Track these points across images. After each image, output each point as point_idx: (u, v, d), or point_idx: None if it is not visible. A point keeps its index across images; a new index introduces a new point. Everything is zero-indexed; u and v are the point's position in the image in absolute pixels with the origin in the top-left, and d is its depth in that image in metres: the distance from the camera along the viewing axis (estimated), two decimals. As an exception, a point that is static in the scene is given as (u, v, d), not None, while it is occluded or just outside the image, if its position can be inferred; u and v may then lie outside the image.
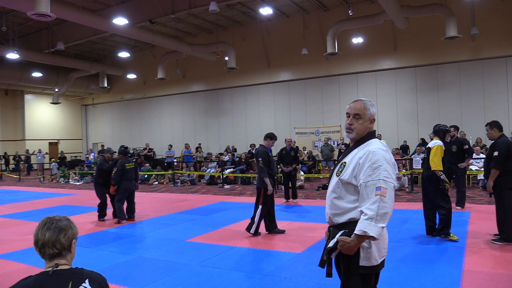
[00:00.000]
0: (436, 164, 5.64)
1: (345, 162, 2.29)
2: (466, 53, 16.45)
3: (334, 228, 2.29)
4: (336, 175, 2.31)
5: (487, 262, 4.64)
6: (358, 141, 2.33)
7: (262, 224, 6.59)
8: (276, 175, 6.97)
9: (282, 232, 6.52)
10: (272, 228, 6.54)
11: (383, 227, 2.05)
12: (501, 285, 3.92)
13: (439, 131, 6.01)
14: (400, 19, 15.36)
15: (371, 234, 2.02)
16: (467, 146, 7.89)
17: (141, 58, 25.00)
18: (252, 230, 6.31)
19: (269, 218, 6.53)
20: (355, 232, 2.07)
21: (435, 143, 5.82)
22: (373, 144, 2.24)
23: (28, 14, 11.44)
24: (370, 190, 2.08)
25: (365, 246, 2.14)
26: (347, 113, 2.40)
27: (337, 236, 2.19)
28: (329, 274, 2.31)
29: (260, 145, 6.79)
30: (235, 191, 12.54)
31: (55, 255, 1.66)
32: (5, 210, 10.05)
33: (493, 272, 4.30)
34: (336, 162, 2.45)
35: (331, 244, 2.22)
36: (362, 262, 2.16)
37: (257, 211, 6.33)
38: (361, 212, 2.09)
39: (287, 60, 20.22)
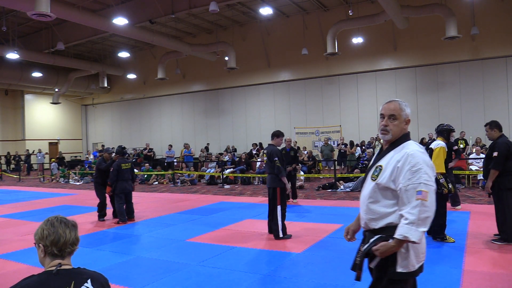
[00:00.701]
0: (437, 166, 5.49)
1: (380, 166, 2.23)
2: (466, 53, 16.46)
3: (369, 233, 2.23)
4: (372, 179, 2.24)
5: (487, 262, 4.64)
6: (393, 143, 2.26)
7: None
8: (286, 174, 6.91)
9: (289, 236, 6.34)
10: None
11: (424, 232, 2.02)
12: (501, 285, 3.93)
13: (444, 131, 5.89)
14: (400, 19, 15.37)
15: (412, 239, 1.99)
16: (456, 147, 7.89)
17: (141, 58, 25.01)
18: (281, 234, 6.12)
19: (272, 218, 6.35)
20: (395, 236, 2.03)
21: (438, 145, 5.69)
22: (411, 146, 2.18)
23: (28, 14, 11.44)
24: (411, 194, 2.04)
25: (403, 251, 2.09)
26: (381, 114, 2.31)
27: (371, 240, 2.15)
28: (358, 278, 2.25)
29: (269, 145, 6.58)
30: (235, 191, 12.55)
31: (72, 252, 1.70)
32: (5, 210, 10.05)
33: (493, 272, 4.30)
34: (370, 165, 2.39)
35: (366, 246, 2.18)
36: (399, 268, 2.11)
37: (278, 214, 6.15)
38: (401, 216, 2.05)
39: (287, 60, 20.23)
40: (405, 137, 2.26)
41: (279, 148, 6.62)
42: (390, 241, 2.06)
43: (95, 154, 22.03)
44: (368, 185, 2.27)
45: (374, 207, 2.19)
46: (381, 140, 2.40)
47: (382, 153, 2.31)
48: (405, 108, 2.28)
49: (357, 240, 6.14)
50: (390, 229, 2.09)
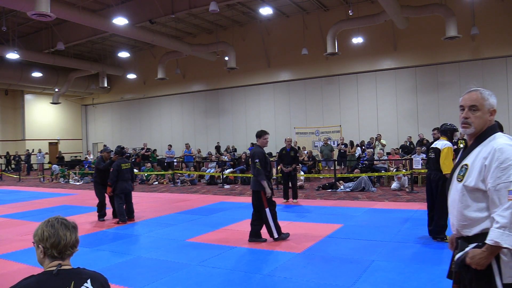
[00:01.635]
0: (447, 167, 5.42)
1: (466, 165, 2.02)
2: (466, 53, 16.46)
3: (462, 241, 2.03)
4: (458, 180, 2.03)
5: (487, 262, 4.63)
6: (478, 137, 2.04)
7: (283, 224, 6.39)
8: (272, 177, 6.41)
9: (264, 240, 6.00)
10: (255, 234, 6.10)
11: None
12: (501, 285, 3.92)
13: (447, 131, 5.80)
14: (400, 19, 15.36)
15: (505, 246, 1.77)
16: (455, 147, 7.88)
17: (141, 58, 25.00)
18: (275, 234, 5.93)
19: (258, 222, 6.04)
20: (486, 241, 1.83)
21: (445, 145, 5.60)
22: (498, 140, 1.94)
23: (28, 14, 11.44)
24: (502, 195, 1.83)
25: (505, 259, 1.85)
26: (461, 105, 2.10)
27: (467, 248, 1.96)
28: None
29: (254, 145, 6.28)
30: (235, 191, 12.54)
31: (71, 254, 1.70)
32: (5, 210, 10.04)
33: (493, 272, 4.30)
34: (455, 163, 2.17)
35: (458, 255, 2.00)
36: (506, 280, 1.85)
37: (268, 216, 5.93)
38: (492, 219, 1.86)
39: (287, 60, 20.23)
40: (491, 130, 2.03)
41: (263, 148, 6.23)
42: (483, 247, 1.86)
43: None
44: (455, 187, 2.06)
45: (466, 212, 1.98)
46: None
47: (467, 150, 2.10)
48: (488, 97, 2.06)
49: (359, 240, 6.14)
50: (486, 236, 1.87)
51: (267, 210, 5.95)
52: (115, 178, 7.89)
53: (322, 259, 4.98)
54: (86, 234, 6.96)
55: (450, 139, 5.82)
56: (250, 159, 6.15)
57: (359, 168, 12.45)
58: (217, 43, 19.05)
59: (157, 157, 20.69)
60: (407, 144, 16.34)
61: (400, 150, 15.67)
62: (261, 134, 6.22)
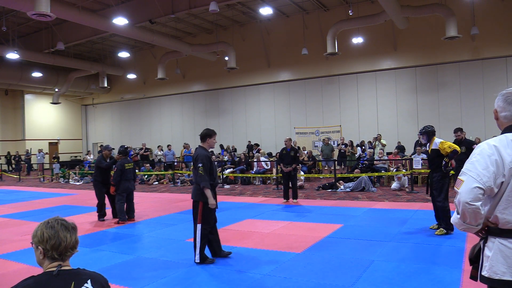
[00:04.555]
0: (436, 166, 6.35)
1: None
2: (466, 53, 16.46)
3: None
4: None
5: (487, 262, 4.63)
6: None
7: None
8: (217, 185, 5.25)
9: (229, 253, 5.28)
10: (217, 250, 5.23)
11: (458, 219, 1.93)
12: (501, 285, 3.92)
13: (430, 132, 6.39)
14: (400, 19, 15.37)
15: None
16: (475, 146, 7.96)
17: (141, 58, 24.99)
18: (197, 258, 4.96)
19: (212, 237, 5.24)
20: None
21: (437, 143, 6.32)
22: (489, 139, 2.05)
23: (28, 14, 11.44)
24: None
25: (487, 254, 1.94)
26: None
27: None
28: None
29: (199, 146, 5.25)
30: (235, 191, 12.54)
31: (71, 255, 1.69)
32: (5, 210, 10.04)
33: (493, 272, 4.30)
34: None
35: None
36: (484, 271, 1.95)
37: (197, 232, 5.01)
38: None
39: (287, 60, 20.22)
40: (505, 131, 2.09)
41: (208, 150, 5.27)
42: None
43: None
44: None
45: None
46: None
47: None
48: (496, 101, 2.22)
49: (359, 240, 6.13)
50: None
51: (199, 226, 5.04)
52: (119, 178, 7.91)
53: (322, 259, 4.98)
54: (86, 234, 6.96)
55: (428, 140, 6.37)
56: (192, 163, 5.17)
57: (359, 168, 12.45)
58: (217, 43, 19.04)
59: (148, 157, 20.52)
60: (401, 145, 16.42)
61: (399, 150, 15.68)
62: (211, 134, 5.23)
